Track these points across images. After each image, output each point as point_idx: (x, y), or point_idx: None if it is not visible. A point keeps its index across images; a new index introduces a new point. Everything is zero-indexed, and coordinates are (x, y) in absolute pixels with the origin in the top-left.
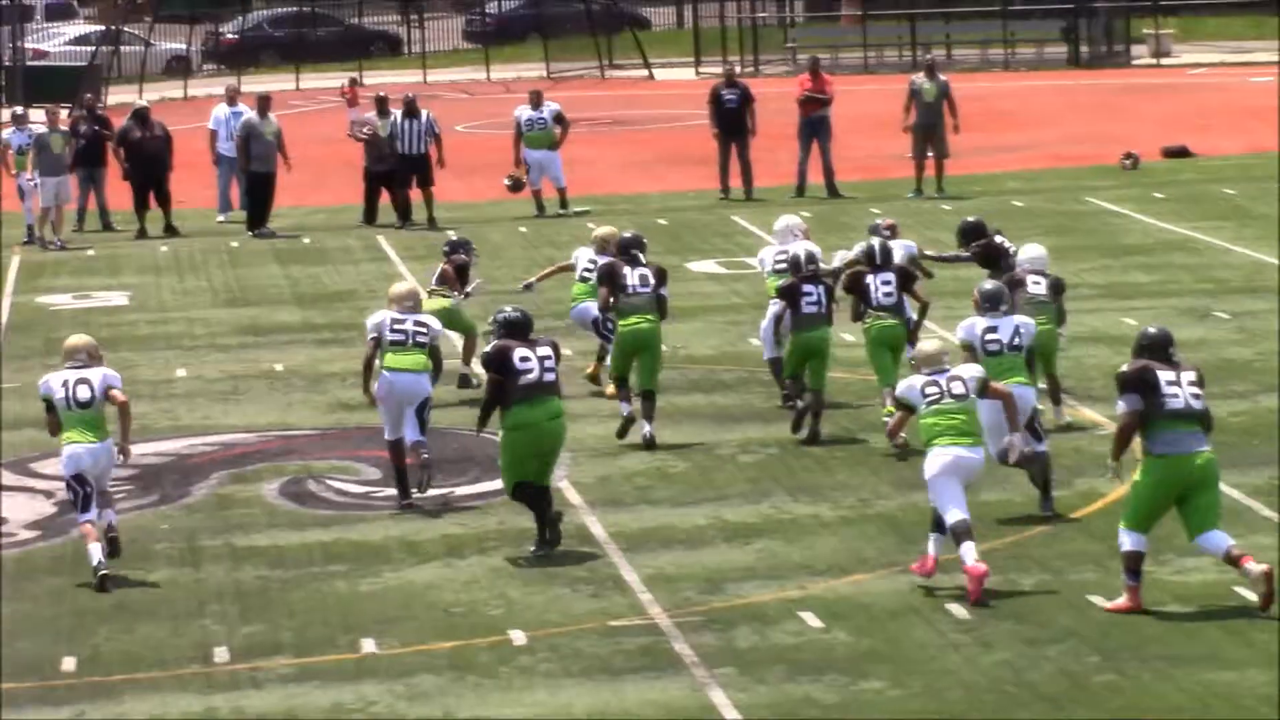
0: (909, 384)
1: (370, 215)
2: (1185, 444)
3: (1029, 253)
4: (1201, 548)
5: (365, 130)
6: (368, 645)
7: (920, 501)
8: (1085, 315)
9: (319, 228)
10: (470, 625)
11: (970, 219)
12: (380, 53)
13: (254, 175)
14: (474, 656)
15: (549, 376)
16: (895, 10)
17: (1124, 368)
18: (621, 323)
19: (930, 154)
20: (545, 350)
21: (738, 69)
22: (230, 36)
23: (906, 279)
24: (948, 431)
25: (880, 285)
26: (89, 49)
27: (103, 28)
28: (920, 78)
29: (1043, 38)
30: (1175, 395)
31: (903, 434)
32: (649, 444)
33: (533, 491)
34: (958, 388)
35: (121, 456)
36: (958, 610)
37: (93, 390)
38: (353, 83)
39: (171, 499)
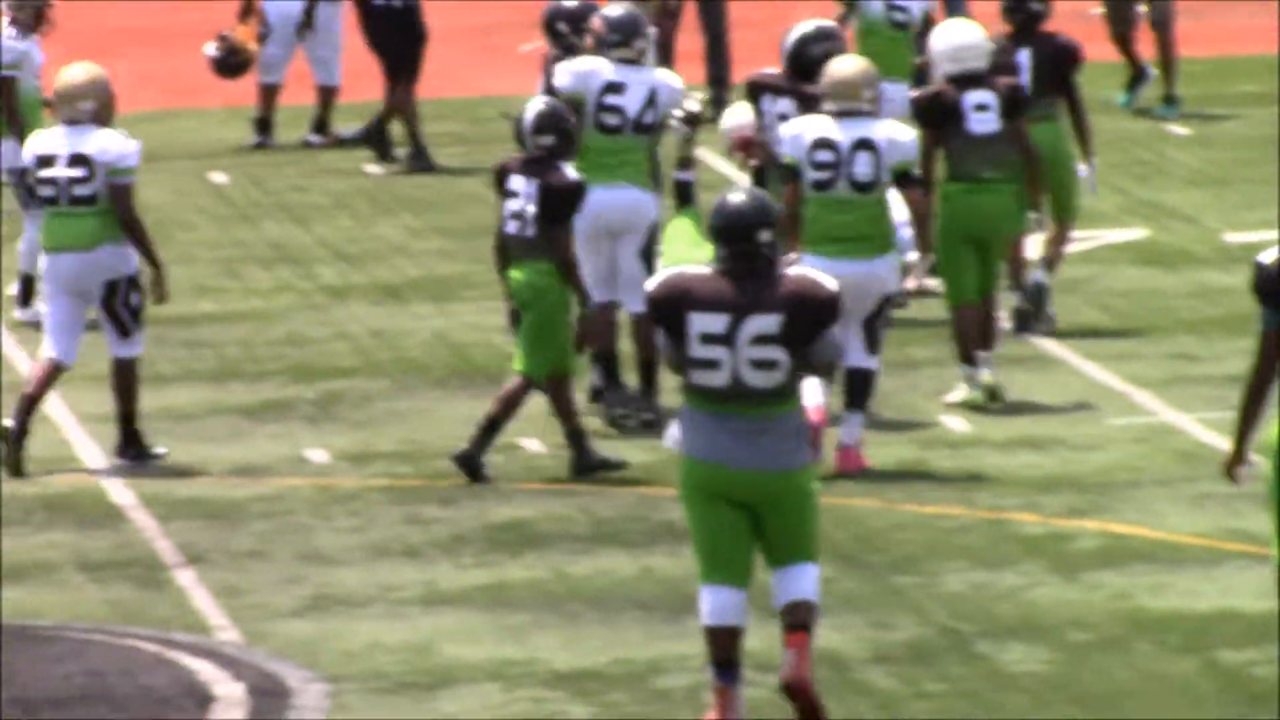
0: (796, 134)
1: None
2: (718, 442)
3: (949, 38)
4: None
5: None
6: None
7: None
8: None
9: None
10: None
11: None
12: None
13: None
14: None
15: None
16: None
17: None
18: None
19: (1144, 14)
20: None
21: None
22: None
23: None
24: (825, 238)
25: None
26: None
27: None
28: None
29: None
30: (712, 359)
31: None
32: None
33: None
34: (863, 168)
35: None
36: None
37: None
38: None
39: None
